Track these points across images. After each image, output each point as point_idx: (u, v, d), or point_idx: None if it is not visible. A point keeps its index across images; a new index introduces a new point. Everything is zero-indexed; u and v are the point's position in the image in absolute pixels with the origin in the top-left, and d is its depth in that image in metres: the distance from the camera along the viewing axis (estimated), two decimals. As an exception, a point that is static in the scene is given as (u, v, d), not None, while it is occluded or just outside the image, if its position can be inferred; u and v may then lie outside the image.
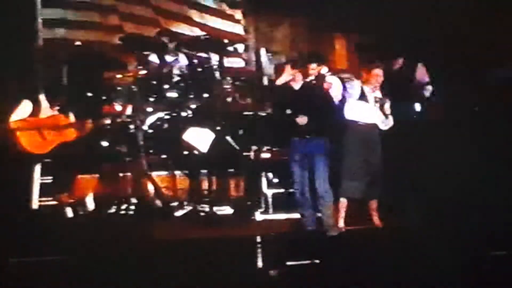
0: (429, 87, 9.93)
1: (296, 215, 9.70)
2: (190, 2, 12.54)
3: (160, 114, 10.45)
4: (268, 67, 11.99)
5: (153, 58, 10.99)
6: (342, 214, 9.11)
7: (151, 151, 10.18)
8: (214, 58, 11.36)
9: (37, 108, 9.35)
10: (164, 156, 10.32)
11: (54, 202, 9.46)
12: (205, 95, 10.72)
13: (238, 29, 12.71)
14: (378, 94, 9.13)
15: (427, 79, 10.01)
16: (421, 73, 9.99)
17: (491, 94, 10.59)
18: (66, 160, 9.34)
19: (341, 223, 9.12)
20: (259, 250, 8.07)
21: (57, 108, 9.52)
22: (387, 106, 9.07)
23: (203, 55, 11.52)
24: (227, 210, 9.92)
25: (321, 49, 11.78)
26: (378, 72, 9.09)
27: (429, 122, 10.03)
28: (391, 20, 11.37)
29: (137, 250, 8.11)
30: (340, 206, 9.11)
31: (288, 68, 9.17)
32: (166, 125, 10.45)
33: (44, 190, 9.44)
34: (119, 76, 10.51)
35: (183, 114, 10.41)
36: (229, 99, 11.07)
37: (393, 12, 11.41)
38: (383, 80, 9.12)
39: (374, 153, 9.06)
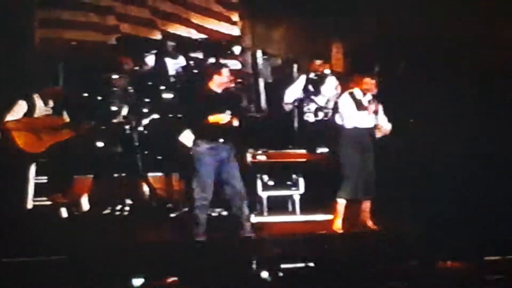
0: None
1: (291, 218, 9.75)
2: (187, 4, 12.54)
3: (156, 115, 10.43)
4: (264, 69, 12.00)
5: (150, 59, 11.00)
6: (341, 215, 9.12)
7: (146, 152, 10.17)
8: (211, 60, 11.36)
9: (32, 108, 9.33)
10: (159, 157, 10.31)
11: (49, 202, 9.45)
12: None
13: (235, 31, 12.72)
14: (370, 98, 9.17)
15: None
16: None
17: (488, 96, 10.60)
18: (62, 161, 9.34)
19: (338, 225, 9.13)
20: (254, 253, 8.06)
21: (52, 108, 9.51)
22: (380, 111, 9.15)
23: (200, 56, 11.52)
24: (221, 212, 9.91)
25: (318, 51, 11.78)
26: (367, 80, 9.15)
27: (426, 125, 10.08)
28: (389, 23, 11.38)
29: (131, 251, 8.10)
30: (338, 207, 9.12)
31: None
32: (161, 126, 10.44)
33: (39, 190, 9.42)
34: (115, 76, 10.51)
35: (179, 115, 10.40)
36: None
37: (391, 14, 11.41)
38: (374, 84, 9.14)
39: (367, 155, 9.11)
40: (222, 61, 11.42)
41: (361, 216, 9.22)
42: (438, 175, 9.77)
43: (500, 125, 10.18)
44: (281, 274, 7.45)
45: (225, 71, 8.70)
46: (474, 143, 10.03)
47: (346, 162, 9.09)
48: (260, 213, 9.82)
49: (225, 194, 8.68)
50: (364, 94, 9.12)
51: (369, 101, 9.08)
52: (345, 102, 9.17)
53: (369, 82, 9.11)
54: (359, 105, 9.10)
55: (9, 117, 9.23)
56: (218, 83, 8.62)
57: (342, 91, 9.66)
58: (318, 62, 10.54)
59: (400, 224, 9.11)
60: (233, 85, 9.71)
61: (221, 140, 8.51)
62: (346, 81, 9.88)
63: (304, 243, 8.61)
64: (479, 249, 8.01)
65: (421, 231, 8.69)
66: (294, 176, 9.99)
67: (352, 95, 9.17)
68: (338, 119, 9.22)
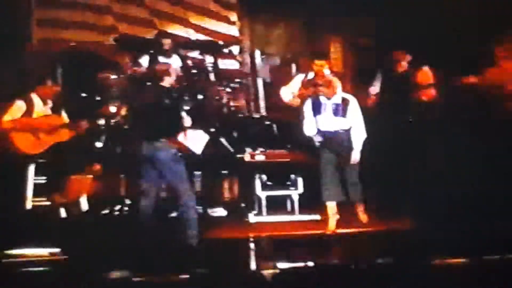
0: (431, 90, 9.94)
1: (290, 218, 9.75)
2: (185, 4, 12.55)
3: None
4: (263, 69, 12.01)
5: (147, 59, 10.98)
6: (332, 216, 9.13)
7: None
8: (209, 60, 11.36)
9: (31, 108, 9.33)
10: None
11: (48, 203, 9.44)
12: (200, 96, 10.72)
13: (233, 31, 12.72)
14: (337, 100, 9.18)
15: (430, 81, 10.02)
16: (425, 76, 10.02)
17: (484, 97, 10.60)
18: (60, 161, 9.34)
19: (332, 226, 9.14)
20: (252, 253, 8.07)
21: (51, 108, 9.51)
22: (349, 108, 9.15)
23: (198, 56, 11.53)
24: (220, 212, 9.93)
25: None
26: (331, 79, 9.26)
27: (420, 123, 10.08)
28: (387, 21, 11.37)
29: (130, 250, 8.10)
30: (328, 210, 9.14)
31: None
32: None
33: (38, 190, 9.42)
34: (113, 76, 10.51)
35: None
36: (223, 101, 11.07)
37: (389, 13, 11.40)
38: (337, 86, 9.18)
39: (346, 158, 9.11)
40: (220, 61, 11.50)
41: (357, 216, 9.25)
42: (436, 172, 9.78)
43: (494, 124, 10.19)
44: (279, 274, 7.47)
45: (172, 70, 8.90)
46: (471, 141, 10.03)
47: (322, 165, 9.13)
48: (259, 213, 9.84)
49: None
50: (328, 98, 9.15)
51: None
52: (306, 105, 9.25)
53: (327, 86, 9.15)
54: (318, 110, 9.14)
55: (8, 117, 9.23)
56: (169, 81, 8.75)
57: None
58: (317, 62, 10.53)
59: (398, 222, 9.11)
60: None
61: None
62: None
63: (303, 243, 8.61)
64: (478, 248, 8.00)
65: (419, 230, 8.69)
66: (292, 176, 10.00)
67: (315, 98, 9.19)
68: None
